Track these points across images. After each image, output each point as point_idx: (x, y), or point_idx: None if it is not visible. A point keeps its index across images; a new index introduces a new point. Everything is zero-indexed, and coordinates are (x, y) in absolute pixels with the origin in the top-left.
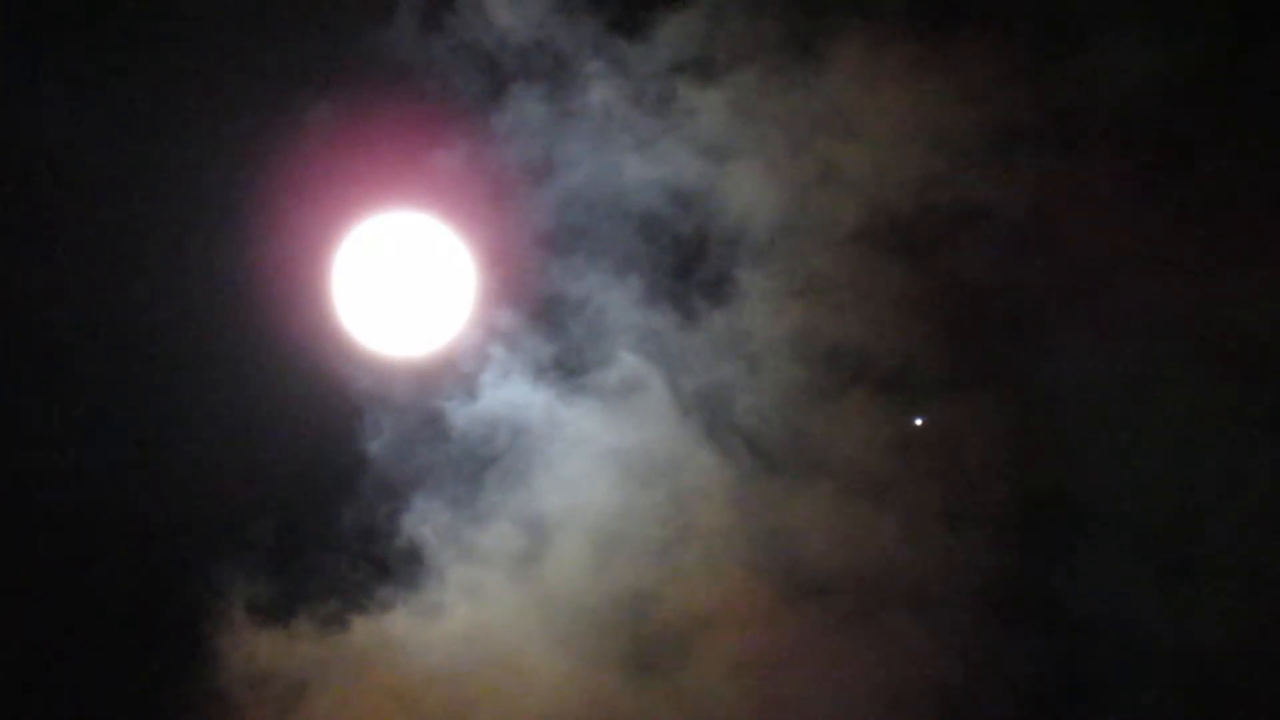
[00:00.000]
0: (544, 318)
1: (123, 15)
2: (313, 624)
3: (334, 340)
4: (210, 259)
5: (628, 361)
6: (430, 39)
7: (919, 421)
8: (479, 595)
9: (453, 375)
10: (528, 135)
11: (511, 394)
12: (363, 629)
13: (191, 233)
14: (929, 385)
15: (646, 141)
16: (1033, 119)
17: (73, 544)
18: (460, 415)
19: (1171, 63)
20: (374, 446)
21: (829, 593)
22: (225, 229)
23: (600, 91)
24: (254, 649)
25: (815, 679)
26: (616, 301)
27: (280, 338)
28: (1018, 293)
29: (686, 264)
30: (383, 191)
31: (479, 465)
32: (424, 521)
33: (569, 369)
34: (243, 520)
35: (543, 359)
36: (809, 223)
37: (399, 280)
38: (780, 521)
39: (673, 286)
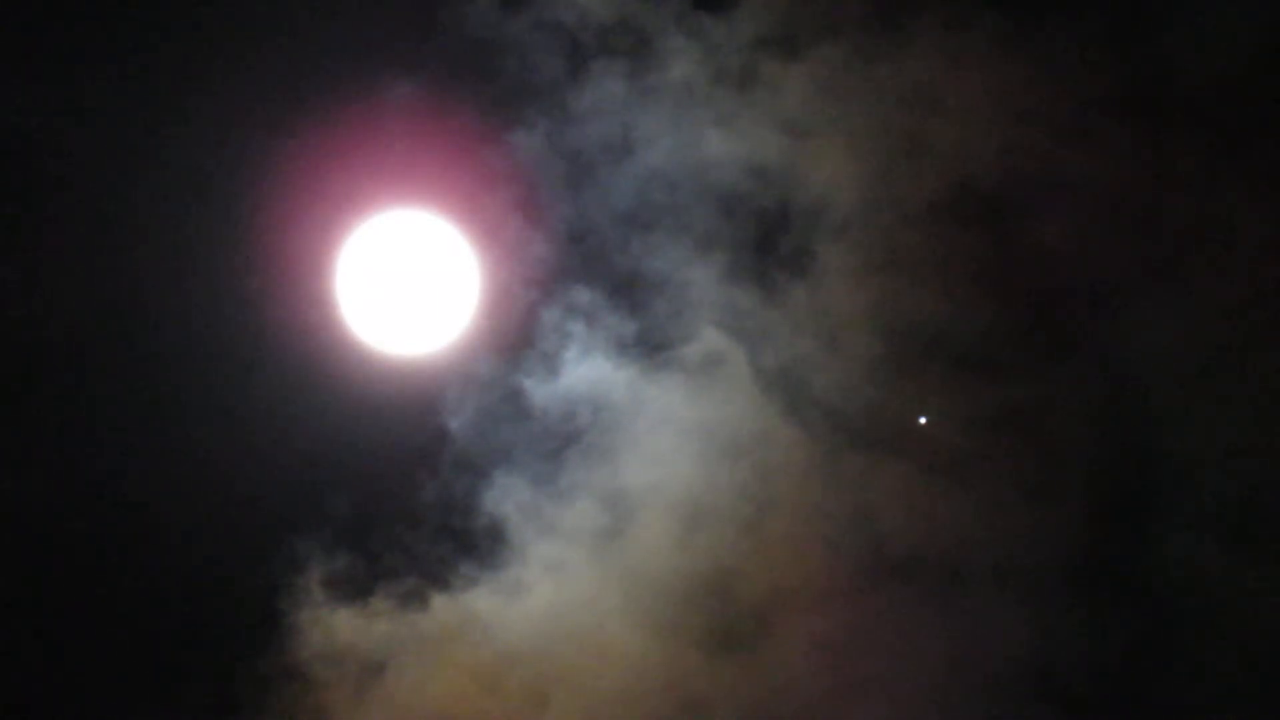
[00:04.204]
0: (626, 294)
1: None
2: (392, 601)
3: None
4: (267, 241)
5: (710, 337)
6: (507, 16)
7: (922, 420)
8: (560, 573)
9: (535, 352)
10: (609, 112)
11: (593, 370)
12: (443, 606)
13: (266, 218)
14: (1011, 360)
15: (728, 117)
16: (1117, 93)
17: (153, 519)
18: (542, 392)
19: (1257, 35)
20: (455, 422)
21: (911, 570)
22: (273, 209)
23: (681, 67)
24: (332, 625)
25: (897, 656)
26: (698, 277)
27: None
28: (1101, 267)
29: (768, 239)
30: (457, 169)
31: (561, 442)
32: (505, 498)
33: (651, 345)
34: (321, 494)
35: (625, 335)
36: (891, 198)
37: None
38: (862, 498)
39: (754, 262)
